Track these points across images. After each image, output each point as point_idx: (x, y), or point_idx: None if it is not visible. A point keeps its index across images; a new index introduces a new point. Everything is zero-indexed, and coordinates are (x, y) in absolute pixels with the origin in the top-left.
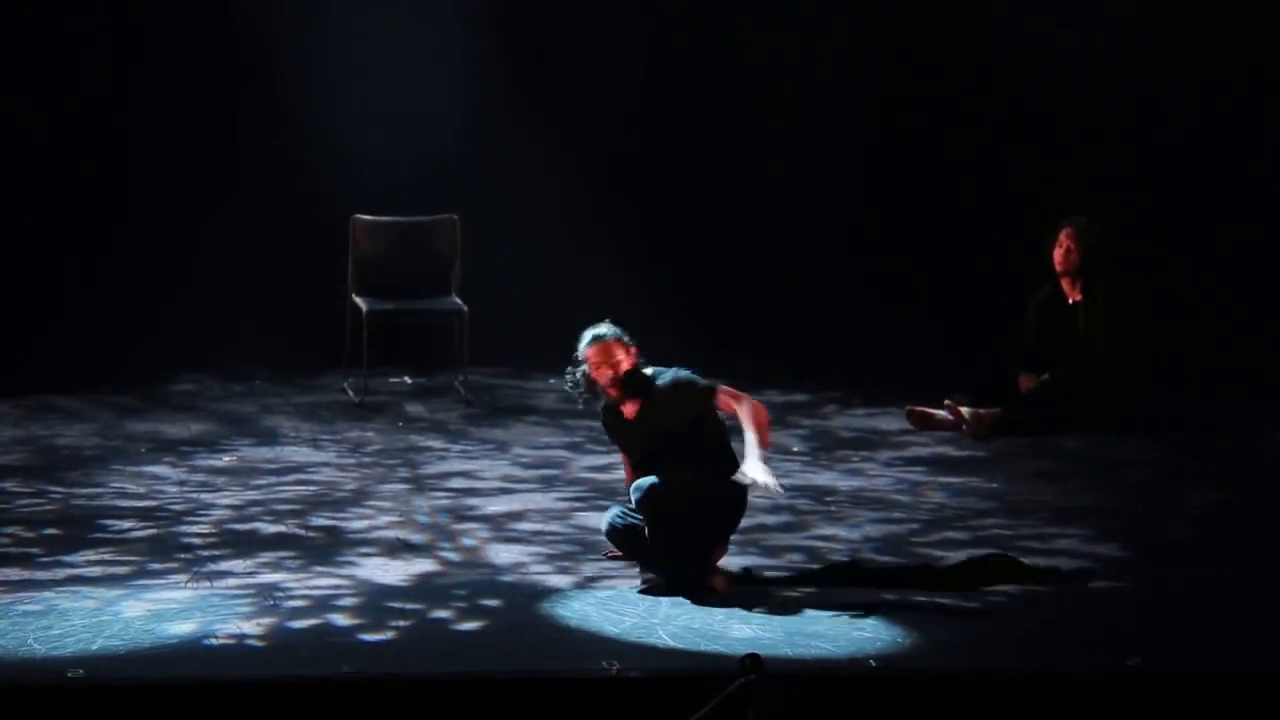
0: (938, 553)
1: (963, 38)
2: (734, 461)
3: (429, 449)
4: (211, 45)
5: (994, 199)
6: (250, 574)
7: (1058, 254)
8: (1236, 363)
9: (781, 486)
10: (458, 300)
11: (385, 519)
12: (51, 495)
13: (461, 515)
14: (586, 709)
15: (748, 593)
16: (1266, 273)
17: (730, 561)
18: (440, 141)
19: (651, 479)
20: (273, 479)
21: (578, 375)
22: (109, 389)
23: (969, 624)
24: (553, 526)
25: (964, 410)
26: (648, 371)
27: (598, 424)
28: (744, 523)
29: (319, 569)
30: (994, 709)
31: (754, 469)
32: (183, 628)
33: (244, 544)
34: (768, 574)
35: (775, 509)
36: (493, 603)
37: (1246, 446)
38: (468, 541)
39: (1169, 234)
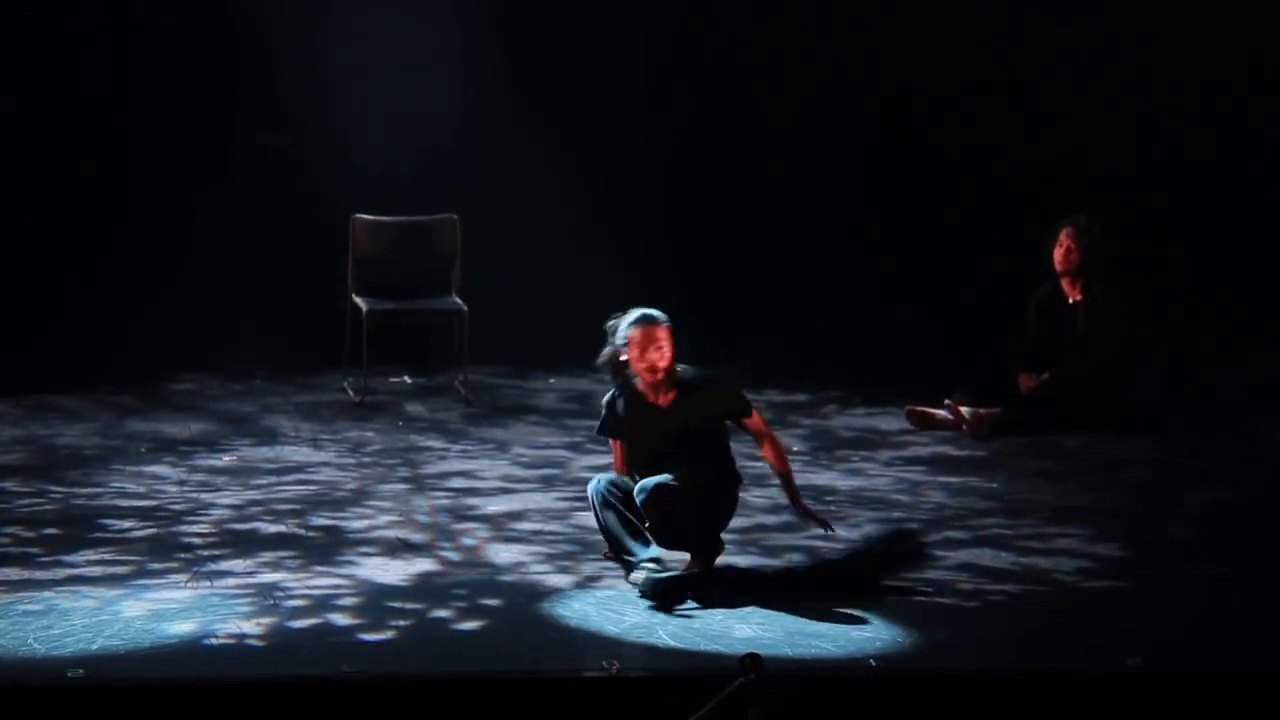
0: (938, 552)
1: (963, 38)
2: (733, 467)
3: (429, 449)
4: (211, 45)
5: (994, 199)
6: (250, 574)
7: (1058, 254)
8: (1236, 363)
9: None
10: (458, 300)
11: (385, 519)
12: (51, 495)
13: (461, 515)
14: (586, 709)
15: (748, 593)
16: (1266, 273)
17: (730, 561)
18: (440, 141)
19: (658, 479)
20: (273, 479)
21: (609, 354)
22: (109, 388)
23: (969, 624)
24: (553, 526)
25: (964, 410)
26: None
27: (598, 423)
28: (744, 522)
29: (319, 569)
30: (994, 709)
31: (806, 509)
32: (183, 627)
33: (244, 544)
34: (767, 573)
35: (775, 509)
36: (493, 602)
37: (1246, 446)
38: (468, 541)
39: (1169, 234)
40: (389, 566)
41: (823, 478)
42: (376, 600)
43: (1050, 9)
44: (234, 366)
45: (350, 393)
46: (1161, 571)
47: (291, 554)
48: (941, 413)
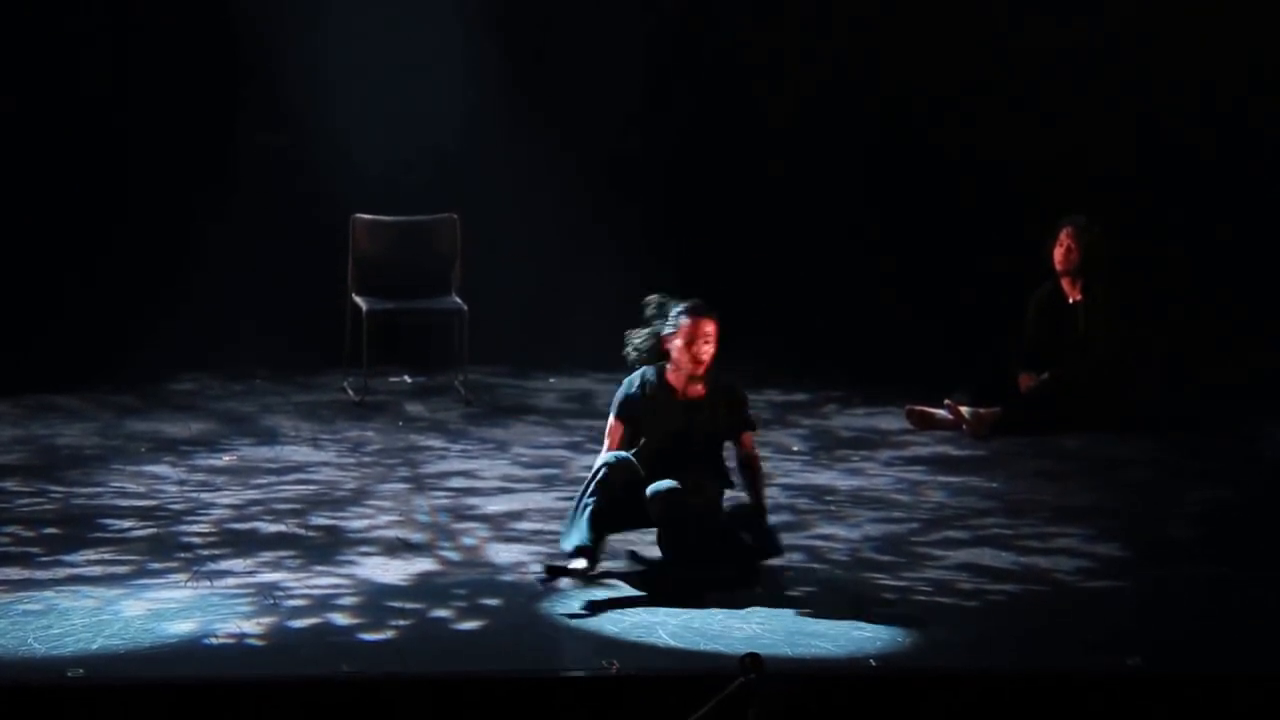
0: (938, 552)
1: (963, 38)
2: (727, 477)
3: (429, 448)
4: (211, 45)
5: (994, 199)
6: (250, 573)
7: (1058, 253)
8: (1236, 363)
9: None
10: (458, 300)
11: (385, 518)
12: (52, 494)
13: (461, 515)
14: (586, 709)
15: (748, 593)
16: (1266, 273)
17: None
18: (440, 141)
19: (670, 484)
20: (273, 478)
21: (652, 337)
22: (109, 388)
23: (969, 624)
24: (553, 526)
25: (964, 410)
26: None
27: (598, 423)
28: None
29: (319, 568)
30: (994, 709)
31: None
32: (183, 627)
33: (244, 543)
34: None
35: (774, 508)
36: (493, 602)
37: (1246, 446)
38: (468, 541)
39: (1169, 234)
40: (389, 566)
41: (823, 477)
42: (376, 600)
43: (1050, 9)
44: (234, 366)
45: (350, 392)
46: (1161, 571)
47: (291, 554)
48: (941, 412)
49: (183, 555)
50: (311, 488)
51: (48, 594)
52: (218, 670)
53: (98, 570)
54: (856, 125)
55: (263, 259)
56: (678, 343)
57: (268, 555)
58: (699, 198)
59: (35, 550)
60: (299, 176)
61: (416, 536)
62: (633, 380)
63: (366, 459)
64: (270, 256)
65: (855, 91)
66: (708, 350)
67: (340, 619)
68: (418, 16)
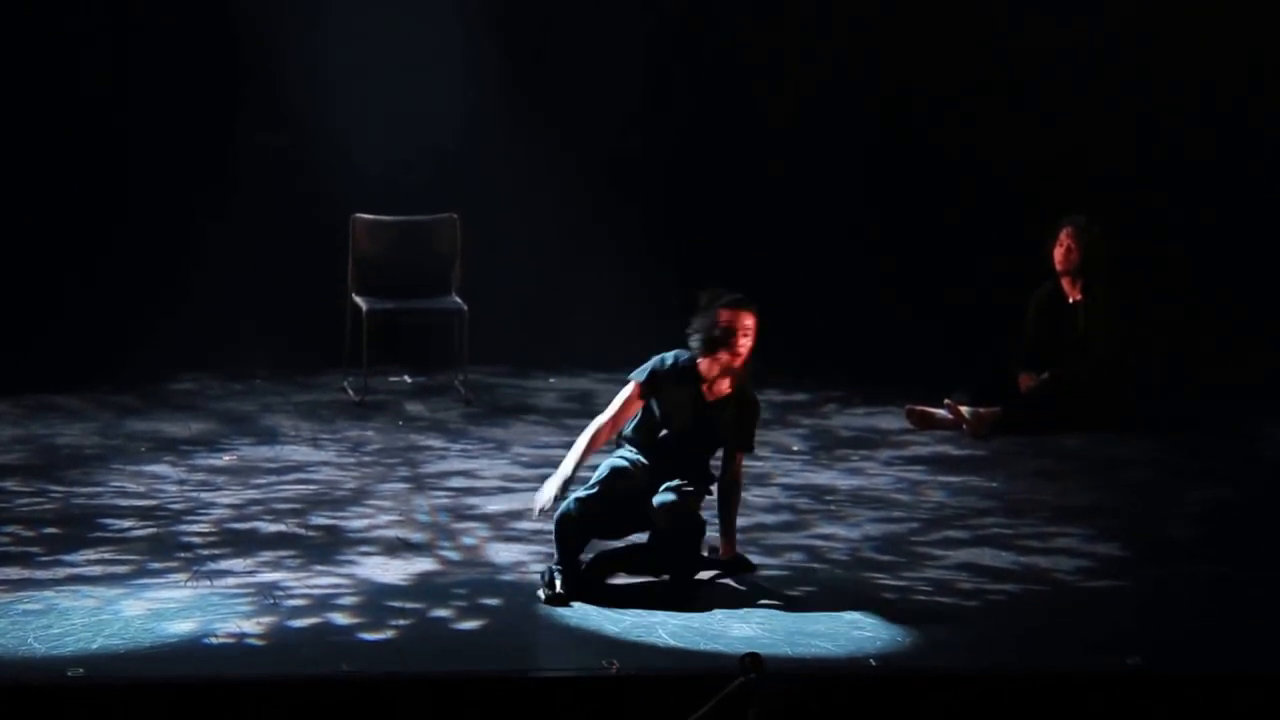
0: (938, 552)
1: (963, 38)
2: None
3: (429, 448)
4: (211, 45)
5: (994, 199)
6: (250, 573)
7: (1058, 253)
8: (1236, 363)
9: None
10: (458, 300)
11: (385, 518)
12: (52, 494)
13: (461, 514)
14: (586, 709)
15: (748, 593)
16: (1266, 273)
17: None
18: (440, 141)
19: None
20: (273, 478)
21: (708, 325)
22: (109, 388)
23: (969, 624)
24: (552, 526)
25: (964, 409)
26: None
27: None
28: (744, 522)
29: (319, 568)
30: (994, 709)
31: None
32: (183, 627)
33: (244, 543)
34: (767, 572)
35: (775, 508)
36: (493, 602)
37: (1246, 446)
38: (468, 540)
39: (1169, 234)
40: (389, 566)
41: (823, 477)
42: (376, 600)
43: (1050, 9)
44: (234, 366)
45: (350, 392)
46: (1161, 571)
47: (291, 553)
48: (941, 412)
49: (183, 555)
50: (311, 487)
51: (48, 594)
52: (218, 670)
53: (98, 570)
54: (856, 125)
55: (263, 259)
56: (741, 339)
57: (268, 555)
58: (699, 198)
59: (35, 550)
60: (299, 176)
61: (416, 536)
62: (665, 358)
63: (366, 459)
64: (270, 256)
65: (855, 91)
66: (745, 344)
67: (340, 619)
68: (418, 16)
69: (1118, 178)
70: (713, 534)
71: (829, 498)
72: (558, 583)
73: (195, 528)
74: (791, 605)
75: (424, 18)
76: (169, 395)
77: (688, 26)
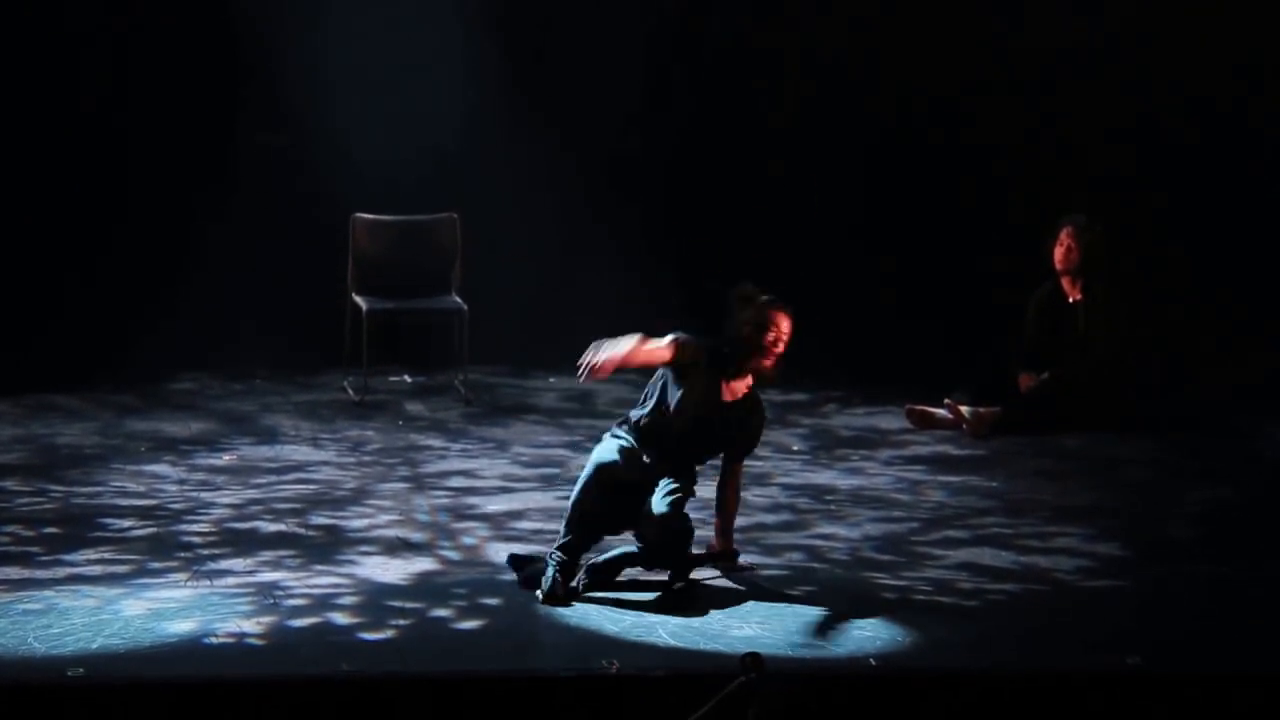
0: (938, 551)
1: (963, 38)
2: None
3: (429, 448)
4: (211, 45)
5: (995, 199)
6: (250, 573)
7: (1058, 253)
8: (1236, 363)
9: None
10: (458, 299)
11: (385, 518)
12: (52, 494)
13: (461, 514)
14: (586, 709)
15: (748, 593)
16: (1266, 273)
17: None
18: (440, 141)
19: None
20: (273, 478)
21: (757, 328)
22: (109, 388)
23: (969, 623)
24: (553, 525)
25: (964, 409)
26: None
27: (597, 423)
28: (744, 522)
29: (319, 568)
30: (994, 709)
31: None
32: (183, 626)
33: (244, 543)
34: (767, 572)
35: (774, 508)
36: (493, 601)
37: (1246, 445)
38: (468, 540)
39: (1169, 234)
40: (389, 566)
41: (823, 477)
42: (376, 599)
43: (1050, 9)
44: (234, 366)
45: (350, 392)
46: (1161, 571)
47: (291, 553)
48: (941, 412)
49: (183, 555)
50: (311, 487)
51: (48, 593)
52: (218, 670)
53: (98, 570)
54: (856, 125)
55: (263, 259)
56: (778, 342)
57: (268, 555)
58: (699, 198)
59: (35, 550)
60: (299, 176)
61: (416, 536)
62: (711, 342)
63: (366, 458)
64: (270, 256)
65: (855, 91)
66: (779, 348)
67: (340, 618)
68: (418, 16)
69: (1118, 178)
70: (706, 533)
71: (829, 497)
72: (556, 580)
73: (195, 527)
74: (791, 605)
75: (424, 18)
76: (169, 395)
77: (688, 26)
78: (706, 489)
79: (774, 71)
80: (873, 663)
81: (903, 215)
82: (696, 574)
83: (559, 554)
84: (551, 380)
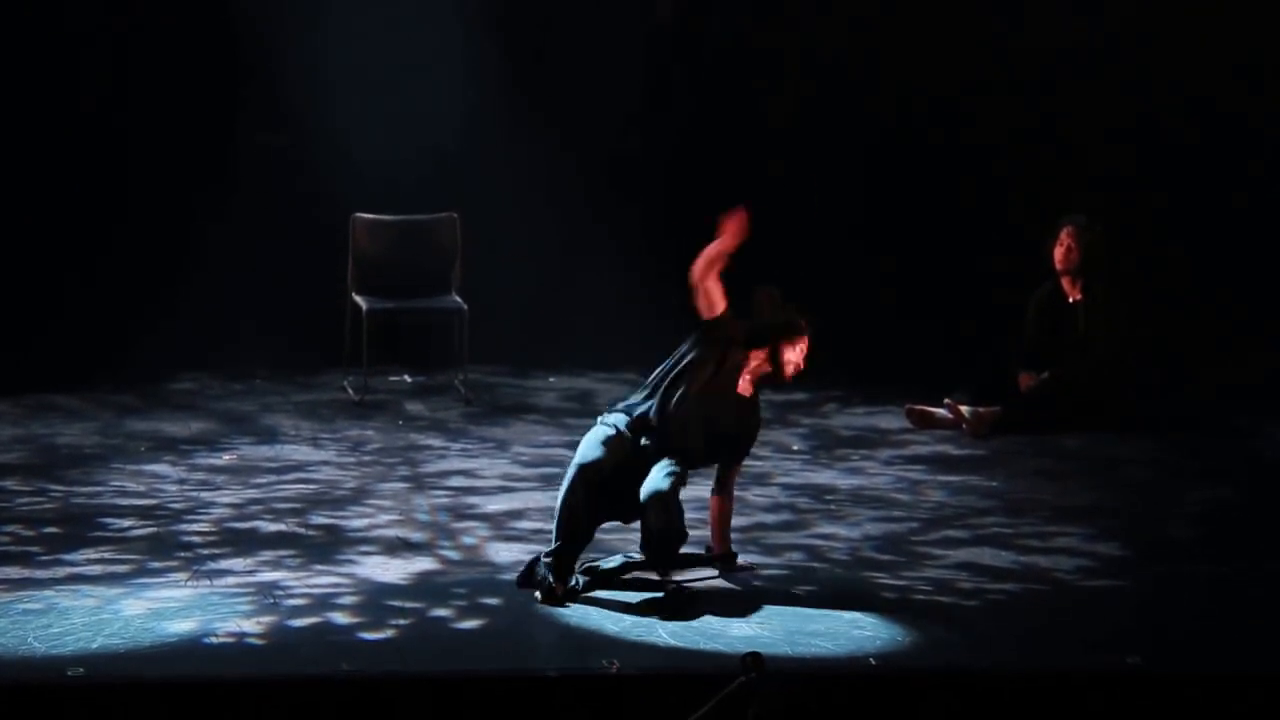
0: (937, 551)
1: (963, 38)
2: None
3: (429, 447)
4: (211, 45)
5: (994, 199)
6: (250, 572)
7: (1058, 253)
8: (1236, 363)
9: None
10: (458, 299)
11: (385, 517)
12: (52, 494)
13: (461, 514)
14: (586, 709)
15: (748, 593)
16: (1266, 273)
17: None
18: (440, 141)
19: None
20: (273, 477)
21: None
22: (109, 388)
23: (969, 623)
24: (552, 525)
25: (964, 409)
26: None
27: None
28: (744, 521)
29: (319, 567)
30: (994, 708)
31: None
32: (183, 626)
33: (244, 542)
34: (767, 572)
35: (775, 507)
36: (493, 601)
37: (1246, 445)
38: (468, 540)
39: (1169, 234)
40: (389, 565)
41: (823, 476)
42: (376, 599)
43: (1050, 9)
44: (234, 365)
45: (350, 392)
46: (1161, 570)
47: (291, 553)
48: (941, 412)
49: (183, 554)
50: (311, 487)
51: (48, 593)
52: (218, 670)
53: (98, 569)
54: (856, 125)
55: (263, 259)
56: (767, 351)
57: (268, 554)
58: (699, 198)
59: (35, 549)
60: (299, 176)
61: (416, 536)
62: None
63: (366, 458)
64: (270, 256)
65: (855, 91)
66: (795, 366)
67: (340, 618)
68: (418, 16)
69: (1118, 178)
70: (703, 534)
71: (829, 497)
72: (551, 585)
73: (195, 527)
74: (791, 605)
75: (424, 18)
76: (169, 395)
77: (688, 26)
78: (703, 489)
79: (774, 71)
80: (873, 663)
81: (903, 215)
82: (696, 573)
83: (550, 560)
84: (551, 380)
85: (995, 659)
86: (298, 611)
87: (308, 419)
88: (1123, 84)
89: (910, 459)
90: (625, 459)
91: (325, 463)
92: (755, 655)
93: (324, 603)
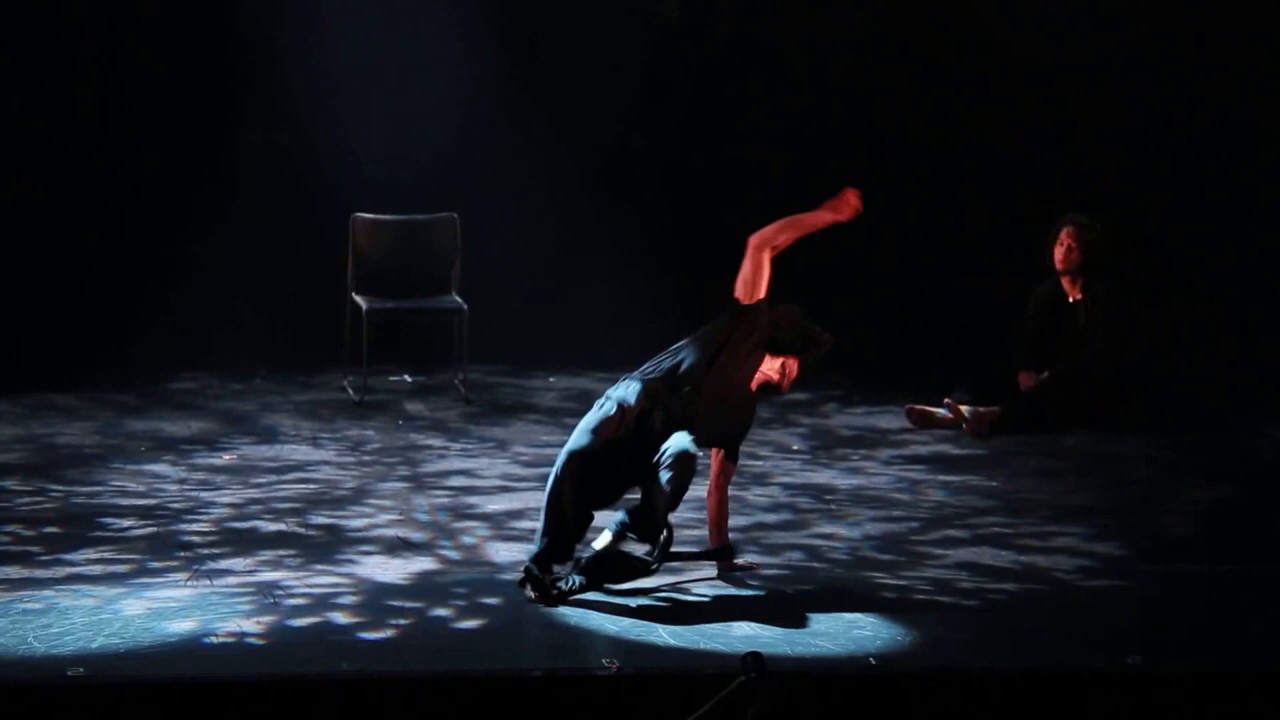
0: (938, 551)
1: (964, 37)
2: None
3: (428, 447)
4: (211, 45)
5: (995, 199)
6: (250, 572)
7: (1058, 252)
8: (1237, 362)
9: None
10: (457, 299)
11: (385, 517)
12: (51, 493)
13: (461, 513)
14: (586, 709)
15: (748, 593)
16: (1267, 273)
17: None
18: (440, 141)
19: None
20: (273, 477)
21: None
22: (109, 387)
23: (969, 622)
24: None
25: (964, 409)
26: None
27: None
28: (744, 521)
29: (319, 567)
30: (994, 708)
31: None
32: (183, 626)
33: (244, 542)
34: (767, 572)
35: (775, 507)
36: (493, 601)
37: (1245, 443)
38: (467, 540)
39: (1169, 234)
40: (389, 565)
41: (822, 476)
42: (376, 599)
43: (1051, 9)
44: (234, 365)
45: (350, 391)
46: (1161, 569)
47: (291, 552)
48: (941, 411)
49: (183, 554)
50: (311, 487)
51: (48, 593)
52: (218, 669)
53: (98, 569)
54: (856, 125)
55: (263, 259)
56: (782, 361)
57: (268, 554)
58: (699, 198)
59: (35, 549)
60: (299, 176)
61: (416, 535)
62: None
63: (366, 458)
64: (270, 256)
65: (856, 91)
66: (788, 382)
67: (340, 618)
68: (418, 16)
69: (1118, 178)
70: (700, 533)
71: (829, 497)
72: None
73: (195, 527)
74: (791, 605)
75: (424, 18)
76: (169, 394)
77: (690, 25)
78: (701, 490)
79: (774, 71)
80: (873, 662)
81: (903, 215)
82: (695, 573)
83: (536, 561)
84: (551, 380)
85: (995, 659)
86: (298, 611)
87: (308, 419)
88: (1123, 83)
89: (910, 459)
90: (623, 436)
91: (325, 462)
92: (755, 655)
93: (324, 603)
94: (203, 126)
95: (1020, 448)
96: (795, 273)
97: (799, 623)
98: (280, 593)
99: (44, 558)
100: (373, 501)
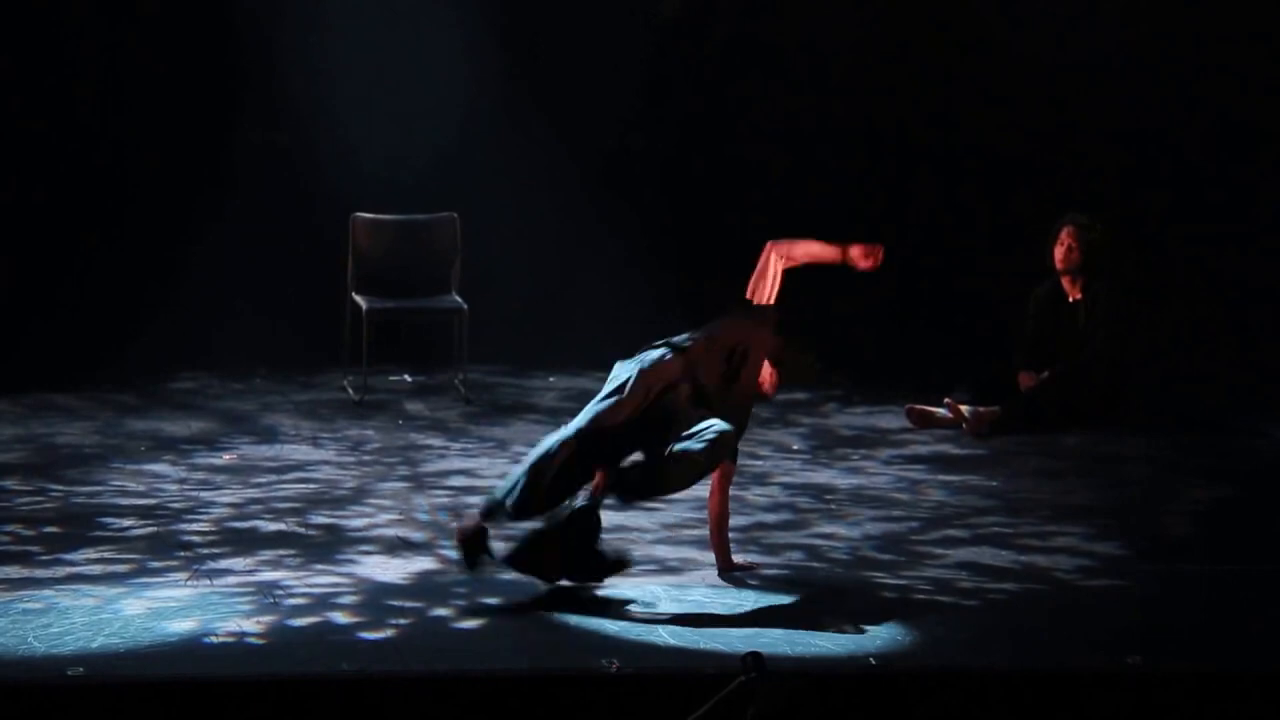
0: (938, 551)
1: (964, 37)
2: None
3: (429, 447)
4: (211, 45)
5: (995, 199)
6: (250, 572)
7: (1059, 252)
8: (1236, 362)
9: None
10: (457, 298)
11: (385, 517)
12: (51, 493)
13: (461, 513)
14: (586, 708)
15: (748, 593)
16: (1267, 273)
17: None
18: (440, 141)
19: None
20: (273, 477)
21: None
22: (109, 387)
23: (969, 622)
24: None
25: (964, 408)
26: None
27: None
28: (744, 521)
29: (319, 567)
30: (994, 708)
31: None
32: (183, 626)
33: (244, 542)
34: (767, 572)
35: (775, 507)
36: (493, 601)
37: (1245, 443)
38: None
39: (1169, 234)
40: (389, 565)
41: (822, 476)
42: (376, 598)
43: (1051, 9)
44: (234, 365)
45: (350, 391)
46: (1161, 569)
47: (291, 552)
48: (941, 411)
49: (183, 554)
50: (311, 486)
51: (48, 592)
52: (218, 668)
53: (98, 569)
54: (856, 125)
55: (263, 258)
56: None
57: (268, 554)
58: (699, 197)
59: (35, 549)
60: (299, 176)
61: (416, 535)
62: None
63: (366, 458)
64: (270, 256)
65: (856, 91)
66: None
67: (340, 618)
68: (418, 16)
69: (1118, 178)
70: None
71: (829, 497)
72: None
73: (195, 527)
74: (791, 605)
75: (424, 18)
76: (169, 394)
77: (690, 24)
78: (701, 490)
79: (774, 71)
80: (873, 662)
81: (903, 215)
82: (695, 573)
83: (488, 506)
84: (551, 380)
85: (995, 658)
86: (298, 611)
87: (308, 419)
88: (1123, 83)
89: (910, 459)
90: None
91: (325, 462)
92: (755, 655)
93: (324, 602)
94: (203, 126)
95: (1020, 448)
96: (796, 273)
97: (799, 623)
98: (280, 592)
99: (44, 557)
100: (373, 501)
